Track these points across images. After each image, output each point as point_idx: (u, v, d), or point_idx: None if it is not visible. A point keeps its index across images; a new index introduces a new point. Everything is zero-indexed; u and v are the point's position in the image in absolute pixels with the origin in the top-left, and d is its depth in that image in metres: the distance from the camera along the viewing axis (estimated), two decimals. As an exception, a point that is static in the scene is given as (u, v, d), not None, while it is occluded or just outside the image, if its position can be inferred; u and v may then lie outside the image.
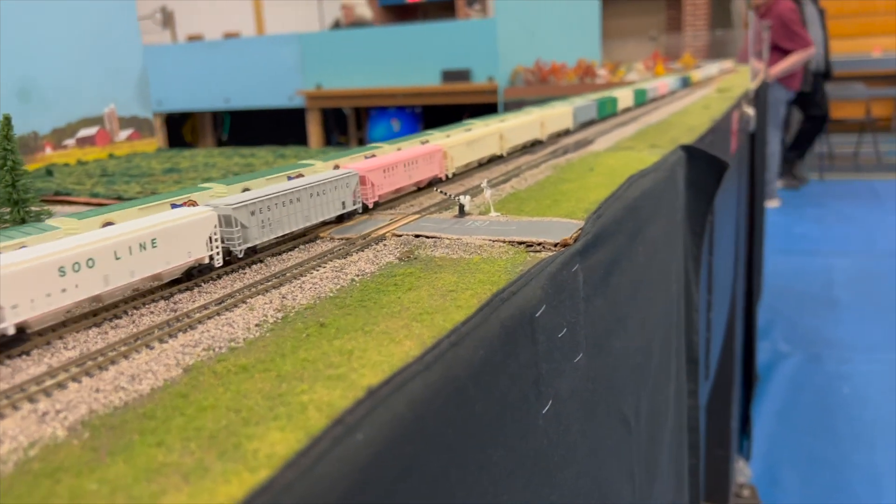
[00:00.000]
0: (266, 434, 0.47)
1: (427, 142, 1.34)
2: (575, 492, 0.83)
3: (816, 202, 7.77)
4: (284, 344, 0.63)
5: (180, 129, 7.12)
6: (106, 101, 2.04)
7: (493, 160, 1.54)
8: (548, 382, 0.76)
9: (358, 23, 7.32)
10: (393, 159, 1.09)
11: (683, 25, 10.57)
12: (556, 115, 1.78)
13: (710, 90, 3.76)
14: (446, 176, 1.25)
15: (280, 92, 6.05)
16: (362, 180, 1.02)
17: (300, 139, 6.16)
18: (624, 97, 2.56)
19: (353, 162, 1.12)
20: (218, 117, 7.25)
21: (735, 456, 3.29)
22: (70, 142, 1.97)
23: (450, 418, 0.54)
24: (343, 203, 0.98)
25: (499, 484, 0.62)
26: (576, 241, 0.89)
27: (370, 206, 1.05)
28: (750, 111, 3.47)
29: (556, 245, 0.87)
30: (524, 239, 0.89)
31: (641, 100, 2.82)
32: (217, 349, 0.62)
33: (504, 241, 0.90)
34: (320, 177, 0.94)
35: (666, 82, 3.31)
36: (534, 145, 1.69)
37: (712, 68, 4.83)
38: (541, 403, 0.74)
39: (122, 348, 0.61)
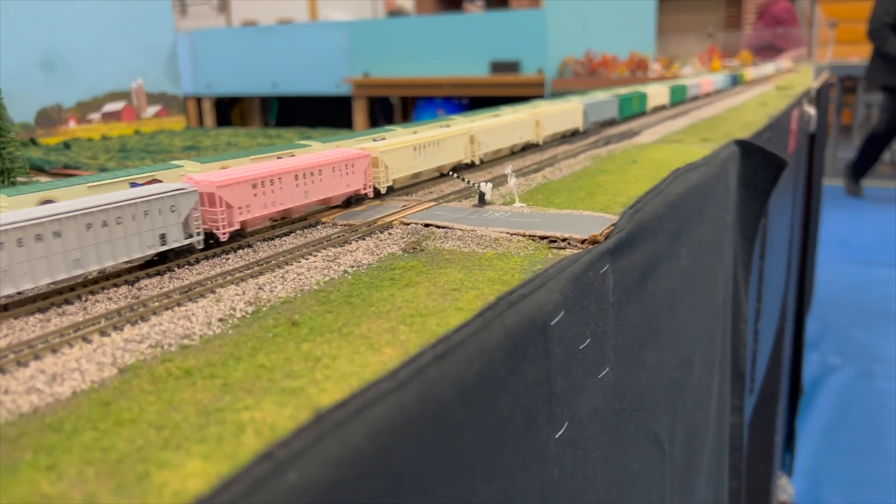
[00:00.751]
0: (184, 462, 0.38)
1: (384, 139, 1.07)
2: (592, 527, 0.72)
3: (876, 210, 7.42)
4: (244, 344, 0.53)
5: (229, 113, 7.15)
6: (134, 76, 1.98)
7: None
8: (563, 402, 0.65)
9: (398, 13, 7.23)
10: (274, 169, 0.79)
11: (743, 23, 10.22)
12: (558, 114, 1.50)
13: (767, 87, 3.56)
14: (377, 191, 0.98)
15: (327, 79, 6.00)
16: (209, 199, 0.72)
17: (346, 128, 6.09)
18: (656, 94, 2.17)
19: (261, 163, 0.85)
20: (266, 103, 7.25)
21: (778, 472, 3.12)
22: (95, 116, 1.91)
23: (427, 449, 0.44)
24: (163, 236, 0.67)
25: (492, 526, 0.52)
26: (607, 238, 0.77)
27: (223, 236, 0.73)
28: (811, 111, 3.27)
29: (582, 242, 0.76)
30: (547, 233, 0.78)
31: (680, 97, 2.50)
32: (165, 347, 0.53)
33: (524, 235, 0.79)
34: (120, 196, 0.64)
35: (711, 79, 2.97)
36: (525, 150, 1.40)
37: (768, 67, 4.55)
38: (553, 427, 0.63)
39: (55, 340, 0.52)
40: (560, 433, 0.64)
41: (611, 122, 1.81)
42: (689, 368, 1.12)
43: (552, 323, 0.61)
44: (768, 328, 2.40)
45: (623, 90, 2.14)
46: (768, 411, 2.70)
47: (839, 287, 5.30)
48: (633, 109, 1.96)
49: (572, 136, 1.60)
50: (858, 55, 8.16)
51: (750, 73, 3.97)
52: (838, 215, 7.12)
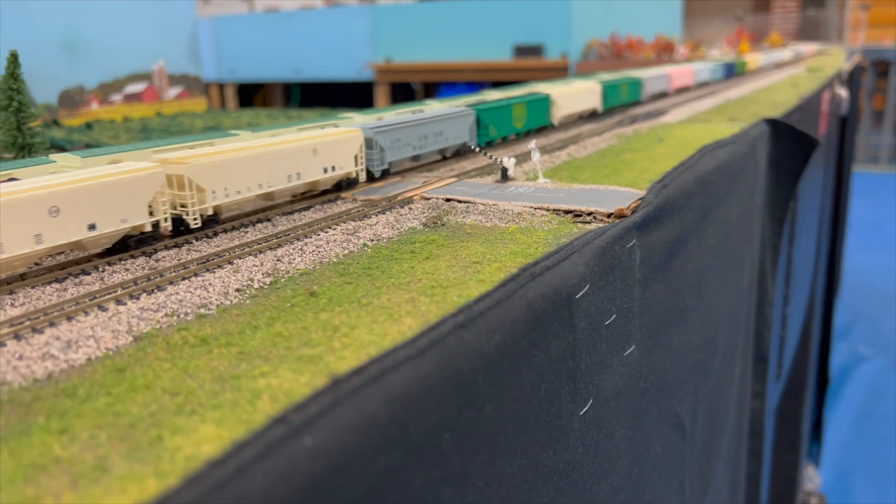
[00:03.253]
0: (197, 428, 0.37)
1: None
2: (615, 508, 0.71)
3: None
4: (262, 314, 0.52)
5: (252, 99, 7.17)
6: (155, 57, 1.98)
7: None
8: (588, 379, 0.63)
9: None
10: None
11: (772, 6, 10.02)
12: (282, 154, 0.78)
13: (778, 78, 3.45)
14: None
15: (350, 64, 5.99)
16: None
17: (367, 112, 6.06)
18: (573, 96, 1.43)
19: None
20: (288, 89, 7.26)
21: (805, 462, 3.08)
22: (117, 97, 1.91)
23: (447, 420, 0.43)
24: None
25: (513, 502, 0.50)
26: (634, 212, 0.75)
27: None
28: (843, 93, 3.20)
29: (609, 216, 0.74)
30: (572, 207, 0.76)
31: (629, 97, 1.72)
32: (182, 315, 0.52)
33: (548, 210, 0.77)
34: None
35: (691, 69, 2.23)
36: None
37: (784, 52, 4.12)
38: (577, 404, 0.61)
39: (70, 308, 0.51)
40: (584, 410, 0.62)
41: (458, 153, 1.11)
42: (712, 351, 1.10)
43: (577, 296, 0.59)
44: (796, 314, 2.36)
45: (492, 95, 1.44)
46: (795, 399, 2.66)
47: (869, 276, 5.20)
48: (512, 126, 1.22)
49: (344, 185, 0.88)
50: (892, 39, 7.97)
51: (755, 59, 3.27)
52: (869, 202, 6.98)
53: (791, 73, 3.19)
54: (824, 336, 3.54)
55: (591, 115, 1.57)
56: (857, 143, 6.70)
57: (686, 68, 2.22)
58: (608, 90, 1.60)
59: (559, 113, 1.39)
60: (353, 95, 6.50)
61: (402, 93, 6.69)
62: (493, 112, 1.17)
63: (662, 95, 1.97)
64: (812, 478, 3.26)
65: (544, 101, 1.33)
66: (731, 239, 1.18)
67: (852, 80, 3.82)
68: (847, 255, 4.87)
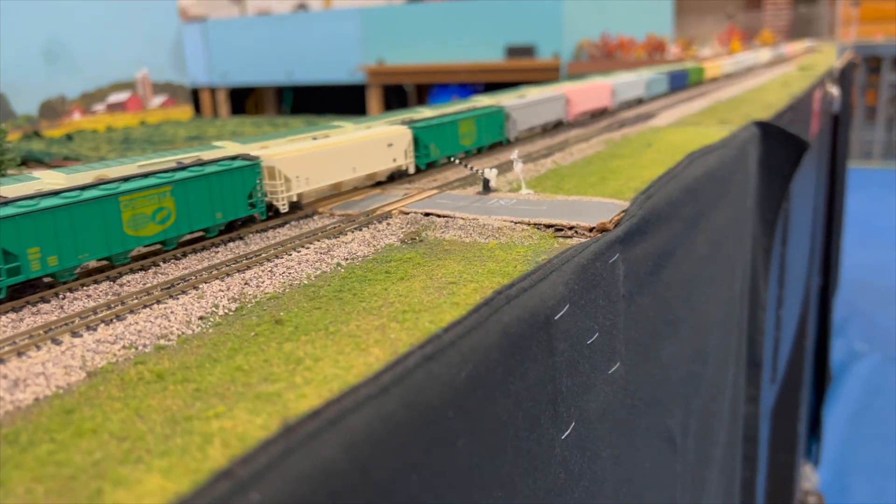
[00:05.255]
0: (142, 479, 0.34)
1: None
2: (602, 531, 0.68)
3: (902, 192, 7.25)
4: (224, 344, 0.50)
5: (244, 102, 7.14)
6: (138, 66, 1.96)
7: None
8: (570, 401, 0.61)
9: None
10: None
11: (763, 3, 10.01)
12: None
13: (767, 78, 3.43)
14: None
15: (342, 67, 5.97)
16: None
17: (361, 115, 6.03)
18: (316, 160, 0.82)
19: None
20: (281, 92, 7.24)
21: (802, 461, 3.06)
22: (100, 107, 1.89)
23: (414, 460, 0.40)
24: None
25: (489, 538, 0.48)
26: (616, 225, 0.73)
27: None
28: (834, 91, 3.18)
29: (590, 230, 0.72)
30: (553, 221, 0.74)
31: (484, 140, 1.16)
32: (140, 348, 0.49)
33: (529, 224, 0.75)
34: None
35: (608, 85, 1.62)
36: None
37: (762, 53, 3.71)
38: (559, 428, 0.59)
39: (23, 341, 0.49)
40: (566, 434, 0.60)
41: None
42: (703, 360, 1.08)
43: (556, 318, 0.57)
44: (791, 315, 2.34)
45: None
46: (791, 399, 2.64)
47: (864, 271, 5.20)
48: (124, 237, 0.62)
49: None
50: (883, 34, 7.97)
51: (717, 66, 2.65)
52: (865, 198, 6.97)
53: (765, 81, 3.17)
54: (822, 334, 3.53)
55: (395, 177, 1.00)
56: (852, 138, 6.69)
57: (600, 84, 1.62)
58: (426, 136, 1.01)
59: (294, 190, 0.80)
60: (345, 98, 6.47)
61: (395, 95, 6.67)
62: (73, 214, 0.58)
63: (557, 125, 1.43)
64: (810, 476, 3.25)
65: (246, 174, 0.73)
66: (722, 245, 1.16)
67: (844, 77, 3.81)
68: (845, 250, 4.86)
